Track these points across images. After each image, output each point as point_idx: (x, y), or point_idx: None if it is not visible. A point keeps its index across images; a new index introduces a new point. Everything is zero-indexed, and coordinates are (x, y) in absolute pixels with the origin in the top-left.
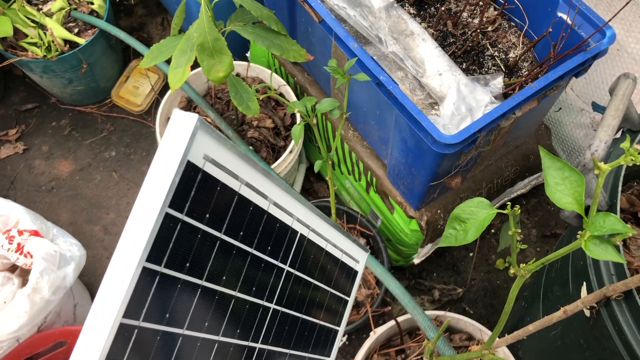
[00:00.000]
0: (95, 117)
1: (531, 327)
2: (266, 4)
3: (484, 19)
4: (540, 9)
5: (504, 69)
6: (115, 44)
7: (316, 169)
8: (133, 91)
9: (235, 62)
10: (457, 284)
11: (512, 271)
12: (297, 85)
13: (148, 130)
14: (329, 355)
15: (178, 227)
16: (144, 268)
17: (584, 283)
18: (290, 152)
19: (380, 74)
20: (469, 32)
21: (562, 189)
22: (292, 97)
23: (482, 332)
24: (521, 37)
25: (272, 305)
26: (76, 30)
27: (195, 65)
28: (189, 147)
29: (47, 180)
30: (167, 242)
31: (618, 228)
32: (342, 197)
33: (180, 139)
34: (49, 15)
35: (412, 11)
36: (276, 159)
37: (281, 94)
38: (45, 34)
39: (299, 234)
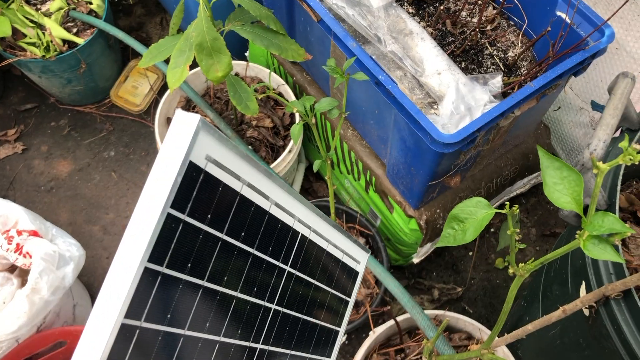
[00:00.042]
0: (94, 117)
1: (530, 327)
2: (265, 3)
3: (483, 18)
4: (539, 8)
5: (502, 68)
6: (114, 43)
7: (315, 168)
8: (132, 91)
9: (234, 62)
10: (456, 283)
11: (511, 270)
12: (296, 85)
13: (147, 130)
14: (329, 356)
15: (180, 228)
16: (146, 268)
17: (583, 282)
18: (290, 151)
19: (379, 73)
20: (468, 31)
21: (560, 189)
22: (291, 96)
23: (481, 331)
24: (520, 36)
25: (273, 306)
26: (75, 30)
27: (194, 64)
28: (191, 148)
29: (46, 181)
30: (168, 242)
31: (617, 228)
32: (342, 197)
33: (182, 140)
34: (48, 15)
35: (411, 10)
36: (275, 159)
37: (280, 94)
38: (43, 33)
39: (300, 235)
